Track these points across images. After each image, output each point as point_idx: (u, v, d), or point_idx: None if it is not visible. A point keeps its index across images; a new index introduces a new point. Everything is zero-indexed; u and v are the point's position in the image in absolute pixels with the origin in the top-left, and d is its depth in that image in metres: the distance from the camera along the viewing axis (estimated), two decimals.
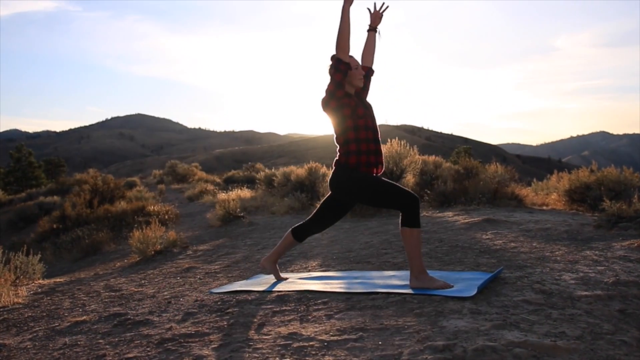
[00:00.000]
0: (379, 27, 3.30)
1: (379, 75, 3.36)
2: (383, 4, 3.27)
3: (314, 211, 3.29)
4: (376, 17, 3.28)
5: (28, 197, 20.03)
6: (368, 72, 3.27)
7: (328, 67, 2.96)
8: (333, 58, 2.94)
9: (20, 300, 3.70)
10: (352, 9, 2.94)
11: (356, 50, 3.17)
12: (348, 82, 3.02)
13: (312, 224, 3.28)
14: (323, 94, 3.01)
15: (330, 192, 3.18)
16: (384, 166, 3.09)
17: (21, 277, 4.45)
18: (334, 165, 3.06)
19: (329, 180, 3.12)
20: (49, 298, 3.80)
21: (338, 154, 3.04)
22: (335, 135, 3.06)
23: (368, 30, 3.30)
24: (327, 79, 2.98)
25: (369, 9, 3.27)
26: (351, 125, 2.96)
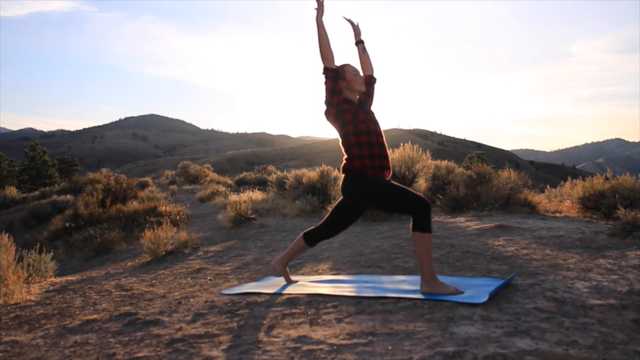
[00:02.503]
0: (362, 38, 3.39)
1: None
2: (351, 20, 3.41)
3: (326, 216, 3.29)
4: (355, 31, 3.39)
5: (42, 196, 20.28)
6: (370, 79, 3.33)
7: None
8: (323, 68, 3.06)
9: (32, 298, 3.74)
10: (333, 21, 3.13)
11: (353, 62, 3.27)
12: (349, 88, 3.11)
13: (323, 229, 3.29)
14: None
15: (341, 198, 3.19)
16: (391, 170, 3.10)
17: (34, 274, 4.49)
18: (342, 171, 3.09)
19: (340, 186, 3.13)
20: (60, 296, 3.83)
21: (344, 160, 3.07)
22: (340, 142, 3.11)
23: (355, 44, 3.41)
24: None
25: (349, 20, 3.40)
26: (352, 130, 3.01)
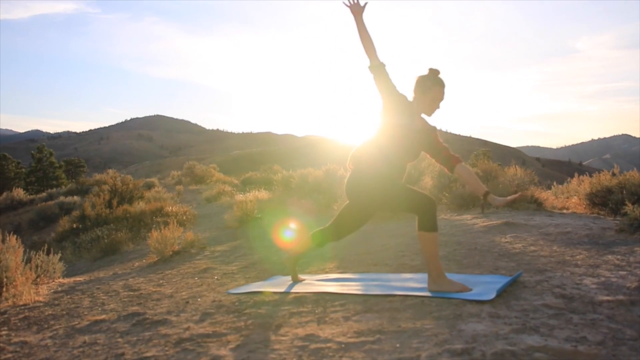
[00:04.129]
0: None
1: None
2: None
3: (332, 220, 3.29)
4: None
5: (49, 197, 20.37)
6: None
7: None
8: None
9: (41, 299, 3.76)
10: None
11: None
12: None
13: (329, 232, 3.28)
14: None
15: (348, 202, 3.18)
16: None
17: (42, 275, 4.52)
18: (349, 169, 3.08)
19: (345, 187, 3.12)
20: (69, 297, 3.85)
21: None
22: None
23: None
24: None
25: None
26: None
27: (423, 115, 3.04)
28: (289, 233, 3.39)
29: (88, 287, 4.28)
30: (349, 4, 3.07)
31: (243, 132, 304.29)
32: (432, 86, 2.94)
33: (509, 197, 2.87)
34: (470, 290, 2.66)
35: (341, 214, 3.23)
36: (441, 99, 2.98)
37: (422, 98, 2.97)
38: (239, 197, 10.25)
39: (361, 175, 2.99)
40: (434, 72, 2.97)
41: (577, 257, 3.40)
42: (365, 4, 3.06)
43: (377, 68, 2.98)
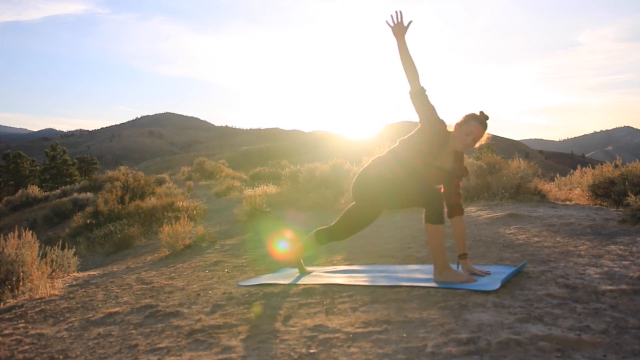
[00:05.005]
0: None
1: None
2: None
3: (337, 219, 3.29)
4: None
5: (63, 194, 20.62)
6: None
7: None
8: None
9: (56, 292, 3.83)
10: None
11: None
12: None
13: (335, 231, 3.30)
14: None
15: (354, 202, 3.20)
16: None
17: (57, 270, 4.60)
18: None
19: (351, 188, 3.14)
20: (83, 290, 3.92)
21: None
22: None
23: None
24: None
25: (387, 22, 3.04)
26: None
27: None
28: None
29: (102, 280, 4.35)
30: (392, 24, 2.96)
31: (251, 128, 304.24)
32: (470, 120, 2.92)
33: (477, 271, 2.89)
34: (475, 280, 2.69)
35: (347, 214, 3.24)
36: (475, 135, 2.91)
37: (458, 129, 2.94)
38: (248, 191, 10.31)
39: (368, 175, 3.03)
40: (481, 113, 2.94)
41: (581, 247, 3.41)
42: (410, 23, 2.96)
43: (418, 96, 2.90)
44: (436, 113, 2.92)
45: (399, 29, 2.94)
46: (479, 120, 2.91)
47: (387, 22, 2.97)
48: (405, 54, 2.92)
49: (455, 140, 2.94)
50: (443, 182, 3.01)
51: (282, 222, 6.79)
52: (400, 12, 2.94)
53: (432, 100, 2.92)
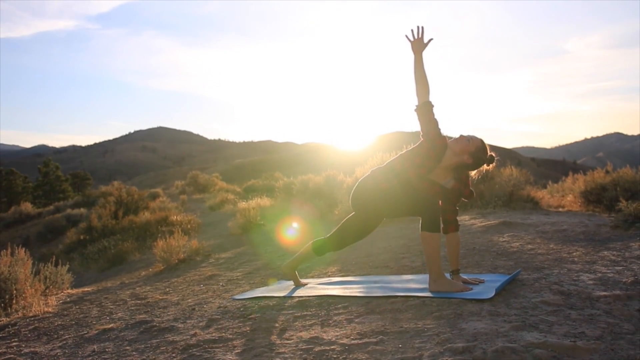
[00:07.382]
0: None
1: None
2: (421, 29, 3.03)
3: (335, 230, 3.30)
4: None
5: (56, 210, 20.50)
6: None
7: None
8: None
9: (50, 310, 3.80)
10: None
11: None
12: None
13: (331, 242, 3.29)
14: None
15: (352, 213, 3.22)
16: None
17: (51, 287, 4.57)
18: None
19: (350, 199, 3.16)
20: (77, 307, 3.90)
21: None
22: None
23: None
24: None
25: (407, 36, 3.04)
26: None
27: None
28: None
29: (96, 297, 4.32)
30: (411, 39, 2.97)
31: (244, 141, 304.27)
32: (469, 154, 2.92)
33: (470, 281, 2.90)
34: (470, 289, 2.70)
35: (345, 224, 3.24)
36: (467, 167, 2.95)
37: (453, 153, 2.92)
38: (242, 204, 10.29)
39: (366, 185, 3.04)
40: (491, 155, 2.99)
41: (574, 254, 3.43)
42: (430, 40, 2.97)
43: (424, 109, 2.90)
44: (438, 127, 2.92)
45: (418, 45, 2.96)
46: (475, 157, 2.92)
47: (406, 36, 2.99)
48: (420, 69, 2.93)
49: (448, 159, 2.93)
50: (438, 196, 3.00)
51: (276, 235, 6.78)
52: (422, 27, 2.97)
53: (437, 115, 2.94)
